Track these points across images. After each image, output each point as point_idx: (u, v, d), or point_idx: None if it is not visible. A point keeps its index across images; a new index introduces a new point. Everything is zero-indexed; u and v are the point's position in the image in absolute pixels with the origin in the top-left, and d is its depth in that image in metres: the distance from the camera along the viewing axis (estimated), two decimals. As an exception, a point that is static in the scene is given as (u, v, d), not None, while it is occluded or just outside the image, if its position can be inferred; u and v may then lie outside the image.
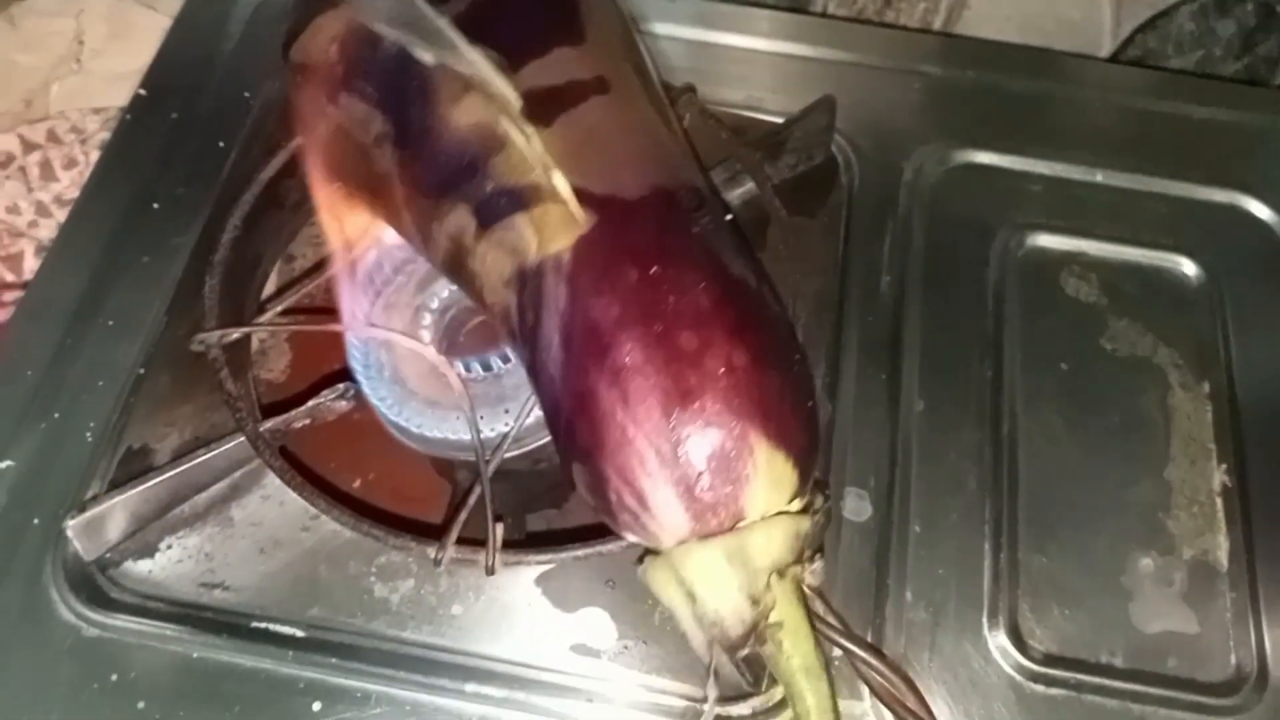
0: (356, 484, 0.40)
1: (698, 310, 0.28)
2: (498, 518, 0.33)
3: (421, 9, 0.31)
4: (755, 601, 0.28)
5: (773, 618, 0.28)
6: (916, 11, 0.53)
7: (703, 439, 0.27)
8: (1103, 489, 0.39)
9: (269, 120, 0.46)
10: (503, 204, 0.30)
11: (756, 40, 0.50)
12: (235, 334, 0.36)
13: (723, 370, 0.28)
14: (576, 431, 0.29)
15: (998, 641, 0.36)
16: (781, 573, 0.29)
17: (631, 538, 0.30)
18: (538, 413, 0.35)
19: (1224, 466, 0.39)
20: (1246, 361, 0.42)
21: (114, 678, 0.33)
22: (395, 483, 0.40)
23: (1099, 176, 0.46)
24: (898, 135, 0.47)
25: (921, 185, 0.45)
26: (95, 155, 0.58)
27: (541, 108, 0.31)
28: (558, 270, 0.29)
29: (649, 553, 0.31)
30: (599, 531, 0.36)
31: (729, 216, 0.33)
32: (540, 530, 0.39)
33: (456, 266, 0.33)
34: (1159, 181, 0.46)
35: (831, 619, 0.31)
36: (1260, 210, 0.46)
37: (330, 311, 0.38)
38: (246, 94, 0.47)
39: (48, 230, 0.56)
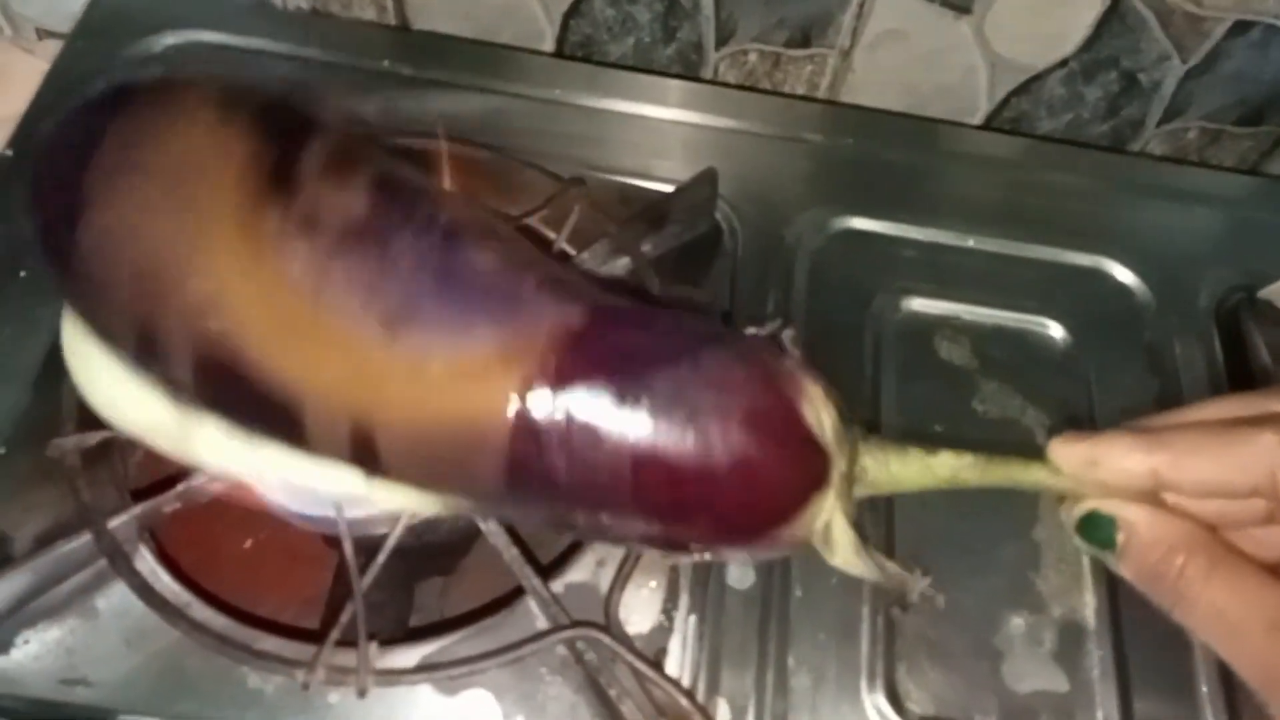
0: (248, 544, 0.39)
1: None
2: (371, 635, 0.32)
3: None
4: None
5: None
6: (804, 74, 0.55)
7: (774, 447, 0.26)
8: (974, 548, 0.40)
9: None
10: None
11: (646, 107, 0.50)
12: (95, 438, 0.35)
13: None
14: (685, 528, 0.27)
15: (876, 703, 0.37)
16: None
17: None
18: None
19: (1088, 525, 0.41)
20: (1110, 420, 0.43)
21: (-36, 782, 0.32)
22: (288, 540, 0.39)
23: (970, 242, 0.48)
24: (780, 202, 0.48)
25: (802, 251, 0.47)
26: (-34, 209, 0.56)
27: None
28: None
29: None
30: (487, 609, 0.36)
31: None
32: (427, 615, 0.39)
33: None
34: (1027, 246, 0.48)
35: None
36: (1122, 273, 0.48)
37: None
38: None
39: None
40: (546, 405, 0.25)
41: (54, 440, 0.35)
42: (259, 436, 0.27)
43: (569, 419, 0.25)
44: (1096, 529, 0.25)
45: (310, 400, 0.26)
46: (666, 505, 0.26)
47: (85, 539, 0.33)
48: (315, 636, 0.35)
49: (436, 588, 0.40)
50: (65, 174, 0.27)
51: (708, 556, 0.28)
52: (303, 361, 0.26)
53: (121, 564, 0.33)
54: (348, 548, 0.33)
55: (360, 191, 0.26)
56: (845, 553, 0.29)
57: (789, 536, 0.28)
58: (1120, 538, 0.25)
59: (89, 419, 0.33)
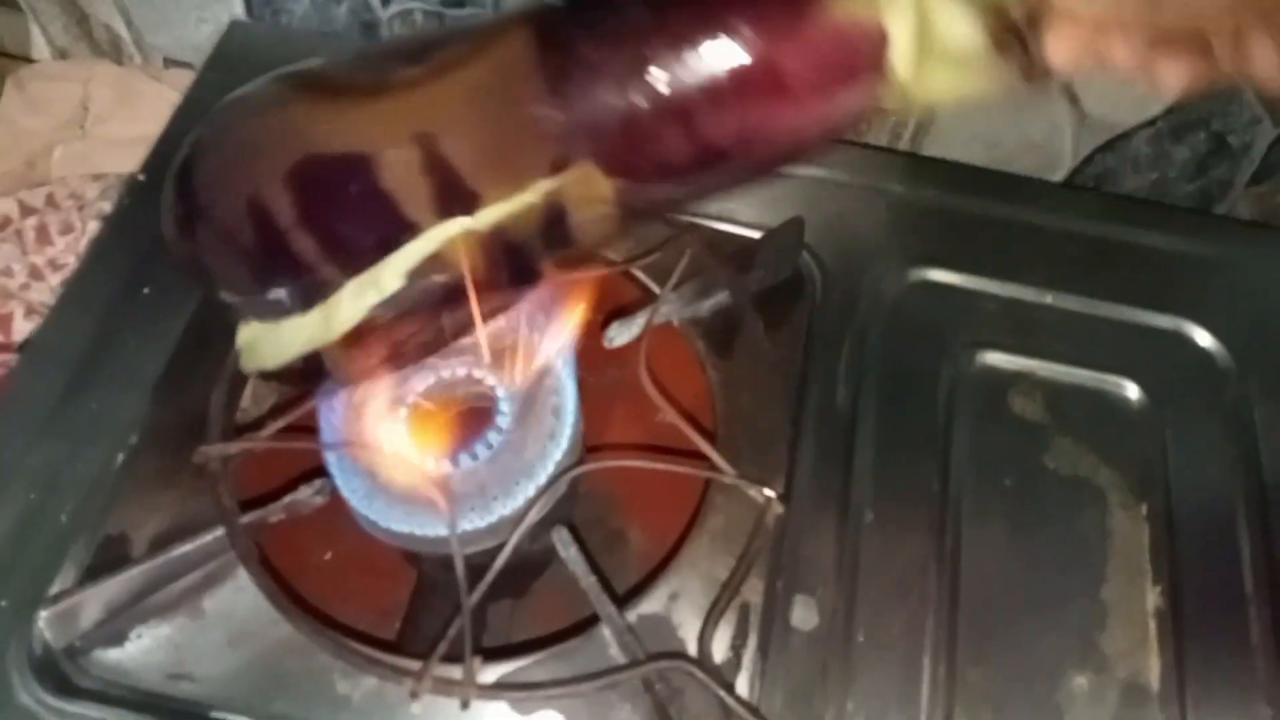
0: (328, 556, 0.42)
1: None
2: (478, 648, 0.34)
3: None
4: None
5: None
6: (887, 125, 0.56)
7: None
8: (1041, 605, 0.41)
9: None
10: None
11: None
12: (235, 448, 0.38)
13: None
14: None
15: (935, 754, 0.37)
16: None
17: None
18: (514, 504, 0.36)
19: (1159, 588, 0.41)
20: (1184, 484, 0.44)
21: (69, 766, 0.34)
22: (365, 557, 0.41)
23: (1049, 298, 0.48)
24: (860, 251, 0.49)
25: (880, 301, 0.48)
26: (92, 223, 0.60)
27: None
28: None
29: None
30: (560, 635, 0.38)
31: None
32: (499, 636, 0.40)
33: None
34: (1107, 305, 0.48)
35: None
36: (1203, 337, 0.48)
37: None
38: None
39: (39, 294, 0.58)
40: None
41: (200, 448, 0.38)
42: (363, 230, 0.30)
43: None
44: None
45: (378, 148, 0.29)
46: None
47: (202, 540, 0.36)
48: (395, 648, 0.37)
49: (506, 609, 0.42)
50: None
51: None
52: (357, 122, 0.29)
53: (252, 561, 0.36)
54: (459, 564, 0.35)
55: None
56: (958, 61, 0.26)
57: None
58: None
59: (228, 430, 0.36)
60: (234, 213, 0.31)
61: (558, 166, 0.28)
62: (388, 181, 0.29)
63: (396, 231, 0.29)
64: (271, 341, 0.32)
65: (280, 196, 0.30)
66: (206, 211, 0.32)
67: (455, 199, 0.29)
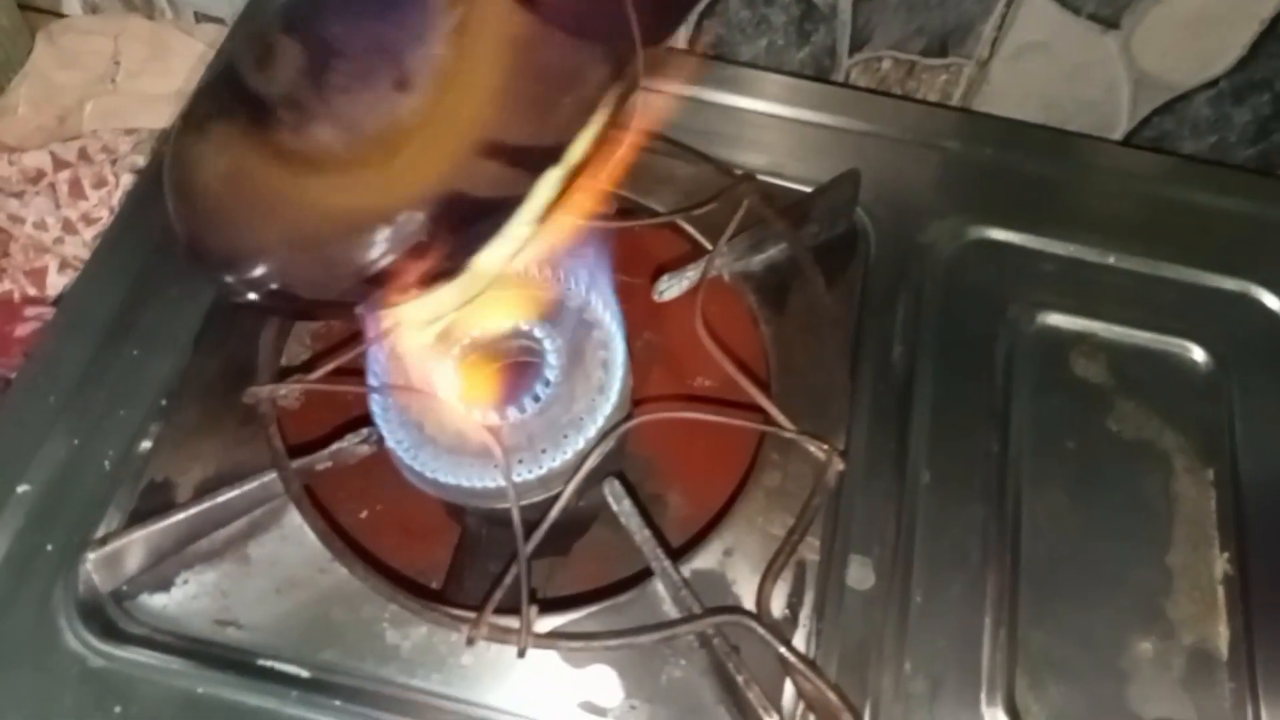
0: (364, 514, 0.41)
1: None
2: (533, 598, 0.33)
3: None
4: None
5: None
6: (937, 83, 0.54)
7: None
8: (1104, 570, 0.39)
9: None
10: None
11: (780, 107, 0.51)
12: (284, 389, 0.37)
13: None
14: None
15: (995, 717, 0.36)
16: None
17: None
18: (564, 457, 0.36)
19: (1226, 555, 0.40)
20: (1252, 450, 0.43)
21: (117, 709, 0.34)
22: (402, 514, 0.40)
23: (1111, 259, 0.47)
24: (915, 208, 0.48)
25: (936, 259, 0.46)
26: (125, 176, 0.59)
27: None
28: None
29: None
30: (610, 590, 0.37)
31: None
32: (550, 589, 0.39)
33: None
34: (1170, 267, 0.47)
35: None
36: (1270, 300, 0.46)
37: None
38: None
39: (73, 247, 0.57)
40: None
41: (250, 388, 0.37)
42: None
43: None
44: None
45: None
46: None
47: (251, 485, 0.35)
48: (442, 599, 0.36)
49: (556, 565, 0.41)
50: None
51: None
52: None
53: (305, 505, 0.35)
54: (515, 512, 0.34)
55: None
56: None
57: None
58: None
59: (276, 373, 0.35)
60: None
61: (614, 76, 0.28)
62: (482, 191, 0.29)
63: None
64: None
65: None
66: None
67: (540, 161, 0.29)
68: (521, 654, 0.33)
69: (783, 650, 0.33)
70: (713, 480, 0.41)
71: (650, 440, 0.42)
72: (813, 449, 0.37)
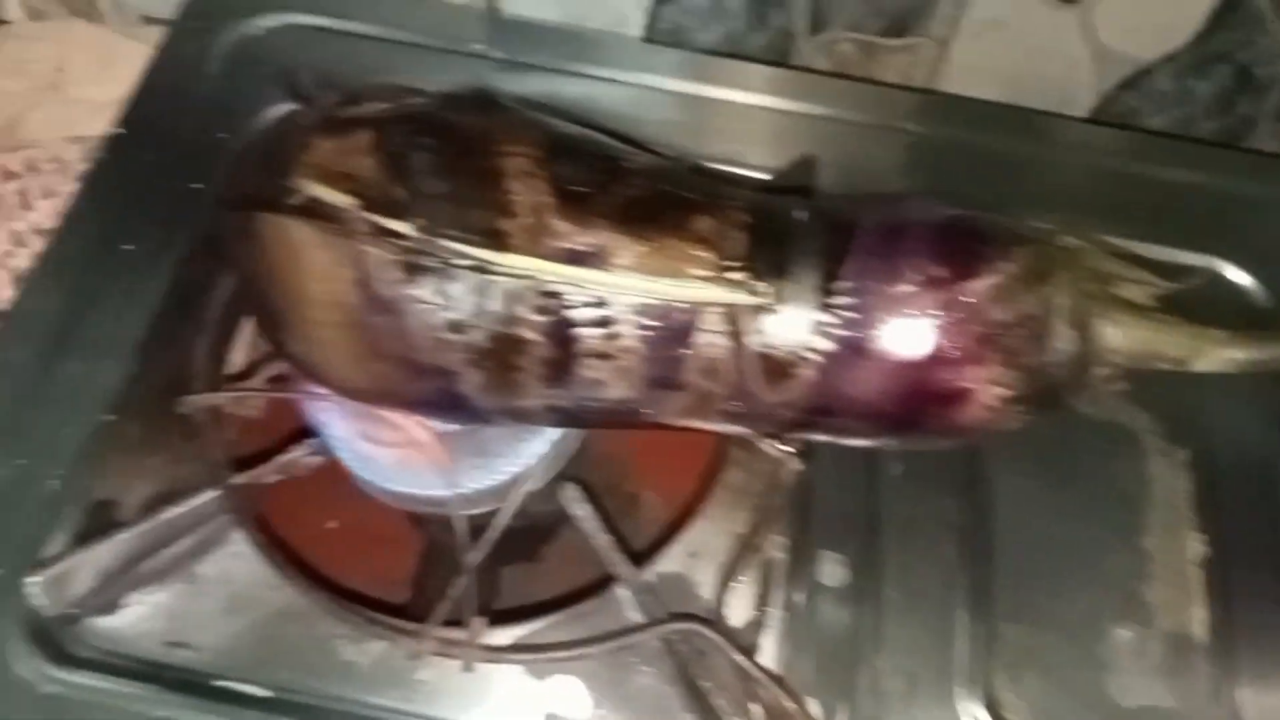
0: (332, 524, 0.40)
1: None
2: (485, 609, 0.32)
3: None
4: None
5: None
6: (899, 64, 0.54)
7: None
8: (1079, 556, 0.39)
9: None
10: None
11: (738, 93, 0.50)
12: (221, 398, 0.35)
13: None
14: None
15: (973, 711, 0.35)
16: None
17: None
18: (515, 465, 0.35)
19: (1202, 536, 0.40)
20: (1225, 429, 0.42)
21: (70, 737, 0.33)
22: (372, 524, 0.39)
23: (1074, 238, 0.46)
24: (876, 190, 0.47)
25: (902, 244, 0.45)
26: (74, 186, 0.58)
27: None
28: None
29: None
30: (574, 596, 0.36)
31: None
32: (512, 599, 0.38)
33: None
34: (1135, 245, 0.46)
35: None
36: (1236, 275, 0.46)
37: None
38: (223, 135, 0.47)
39: (24, 260, 0.56)
40: None
41: (185, 397, 0.35)
42: None
43: None
44: None
45: None
46: None
47: (194, 503, 0.34)
48: (404, 613, 0.35)
49: (518, 573, 0.40)
50: None
51: None
52: None
53: (248, 522, 0.34)
54: (460, 525, 0.33)
55: None
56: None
57: None
58: None
59: (216, 381, 0.33)
60: None
61: None
62: None
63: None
64: None
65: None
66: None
67: None
68: (467, 668, 0.32)
69: (735, 656, 0.32)
70: (682, 480, 0.40)
71: (621, 440, 0.41)
72: (768, 449, 0.37)
